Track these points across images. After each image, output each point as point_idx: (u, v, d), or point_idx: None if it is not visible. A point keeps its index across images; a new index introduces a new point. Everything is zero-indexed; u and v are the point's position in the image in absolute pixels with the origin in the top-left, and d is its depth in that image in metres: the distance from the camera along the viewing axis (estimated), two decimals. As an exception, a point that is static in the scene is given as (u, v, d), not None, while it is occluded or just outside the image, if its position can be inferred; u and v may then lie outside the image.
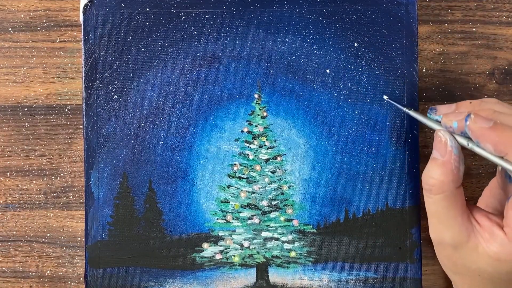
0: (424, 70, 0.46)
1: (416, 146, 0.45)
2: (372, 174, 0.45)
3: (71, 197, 0.47)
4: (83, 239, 0.47)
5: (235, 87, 0.45)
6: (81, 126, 0.47)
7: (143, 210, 0.44)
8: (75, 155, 0.48)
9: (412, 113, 0.42)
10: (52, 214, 0.47)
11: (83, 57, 0.44)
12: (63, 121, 0.48)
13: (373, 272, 0.45)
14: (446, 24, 0.49)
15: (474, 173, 0.49)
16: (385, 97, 0.43)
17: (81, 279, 0.47)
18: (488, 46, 0.49)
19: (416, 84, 0.45)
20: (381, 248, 0.45)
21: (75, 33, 0.48)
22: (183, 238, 0.44)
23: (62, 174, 0.48)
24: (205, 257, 0.44)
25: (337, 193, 0.45)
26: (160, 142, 0.44)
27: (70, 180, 0.47)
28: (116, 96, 0.44)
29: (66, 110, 0.48)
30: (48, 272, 0.47)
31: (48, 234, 0.47)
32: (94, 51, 0.44)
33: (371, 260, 0.45)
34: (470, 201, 0.48)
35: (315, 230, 0.45)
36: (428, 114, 0.41)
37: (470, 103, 0.40)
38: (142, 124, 0.44)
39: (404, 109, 0.42)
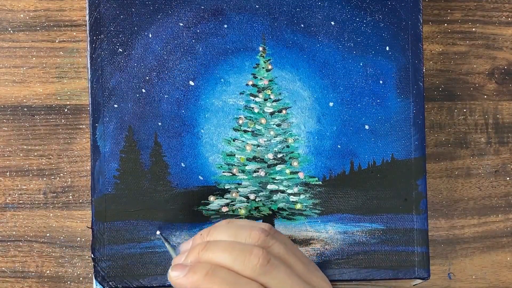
0: (424, 70, 0.46)
1: (421, 97, 0.45)
2: (378, 126, 0.45)
3: (70, 197, 0.47)
4: (83, 239, 0.47)
5: (240, 40, 0.45)
6: (81, 126, 0.47)
7: (149, 164, 0.44)
8: (74, 155, 0.47)
9: (163, 238, 0.43)
10: (51, 214, 0.47)
11: (87, 11, 0.44)
12: (63, 121, 0.48)
13: (379, 223, 0.45)
14: (445, 24, 0.49)
15: (474, 173, 0.49)
16: (158, 232, 0.44)
17: (80, 277, 0.47)
18: (488, 46, 0.49)
19: (421, 36, 0.45)
20: (386, 199, 0.45)
21: (74, 33, 0.47)
22: (189, 191, 0.44)
23: (61, 174, 0.47)
24: (212, 210, 0.44)
25: (343, 145, 0.45)
26: (165, 96, 0.44)
27: (69, 180, 0.47)
28: (121, 50, 0.44)
29: (66, 110, 0.48)
30: (48, 272, 0.47)
31: (48, 234, 0.47)
32: (99, 4, 0.44)
33: (377, 211, 0.45)
34: (470, 201, 0.48)
35: (320, 182, 0.45)
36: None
37: (201, 235, 0.38)
38: (147, 77, 0.44)
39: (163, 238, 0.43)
